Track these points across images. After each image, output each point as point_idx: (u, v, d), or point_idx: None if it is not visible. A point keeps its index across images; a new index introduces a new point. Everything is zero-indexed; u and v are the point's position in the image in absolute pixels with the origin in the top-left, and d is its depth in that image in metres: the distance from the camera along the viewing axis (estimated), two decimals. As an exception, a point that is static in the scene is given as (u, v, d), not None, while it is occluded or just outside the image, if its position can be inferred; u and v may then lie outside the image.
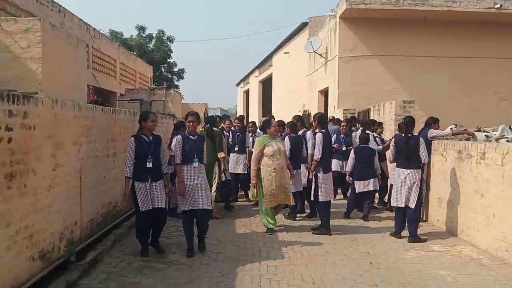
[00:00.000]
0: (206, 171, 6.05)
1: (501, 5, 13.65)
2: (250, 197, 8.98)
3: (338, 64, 14.18)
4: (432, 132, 7.49)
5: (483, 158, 5.93)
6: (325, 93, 16.53)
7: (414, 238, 6.33)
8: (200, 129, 7.62)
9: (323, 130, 6.85)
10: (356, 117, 12.78)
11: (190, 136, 5.71)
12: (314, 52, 16.26)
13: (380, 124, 9.32)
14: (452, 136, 7.47)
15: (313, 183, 6.78)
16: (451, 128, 7.91)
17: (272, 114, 15.03)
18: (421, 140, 6.48)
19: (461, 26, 14.19)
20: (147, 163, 5.37)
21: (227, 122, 9.43)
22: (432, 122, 7.72)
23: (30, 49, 4.68)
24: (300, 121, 8.24)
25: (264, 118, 9.73)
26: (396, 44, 14.07)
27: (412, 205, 6.36)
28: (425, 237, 6.46)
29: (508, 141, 6.76)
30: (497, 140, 6.97)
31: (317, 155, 6.69)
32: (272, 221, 6.87)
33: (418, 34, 14.12)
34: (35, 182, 4.26)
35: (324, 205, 6.77)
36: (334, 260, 5.44)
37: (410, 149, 6.38)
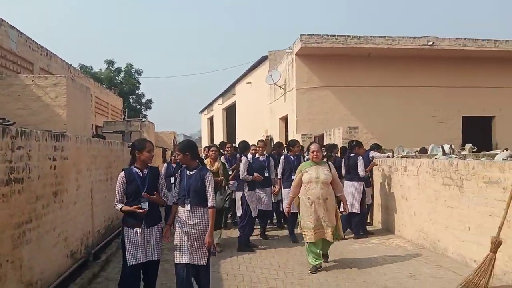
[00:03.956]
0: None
1: (433, 43, 16.04)
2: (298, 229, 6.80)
3: (296, 95, 16.03)
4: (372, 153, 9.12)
5: (405, 171, 7.72)
6: (285, 119, 18.32)
7: (358, 236, 7.98)
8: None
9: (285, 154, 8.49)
10: (313, 140, 14.51)
11: (187, 171, 4.55)
12: (274, 84, 18.11)
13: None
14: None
15: (281, 197, 8.17)
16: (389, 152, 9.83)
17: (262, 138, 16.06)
18: (359, 158, 8.16)
19: (401, 60, 16.42)
20: (142, 204, 4.31)
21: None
22: (357, 146, 8.49)
23: (58, 99, 6.13)
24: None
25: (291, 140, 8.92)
26: (345, 77, 16.10)
27: (357, 210, 8.00)
28: (366, 235, 8.12)
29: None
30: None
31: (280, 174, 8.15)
32: (316, 258, 6.08)
33: (364, 68, 16.23)
34: (68, 199, 5.64)
35: (290, 215, 7.94)
36: (295, 252, 7.03)
37: (352, 166, 8.10)
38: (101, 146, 7.51)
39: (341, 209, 6.36)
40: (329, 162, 6.44)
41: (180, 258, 4.43)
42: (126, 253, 4.30)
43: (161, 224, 4.55)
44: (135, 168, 4.47)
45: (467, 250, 5.99)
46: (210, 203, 4.44)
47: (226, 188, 7.31)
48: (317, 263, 6.05)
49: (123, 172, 4.48)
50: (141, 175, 4.44)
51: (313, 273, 5.90)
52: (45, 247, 4.85)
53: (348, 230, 8.22)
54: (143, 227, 4.32)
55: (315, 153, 6.13)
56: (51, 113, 6.03)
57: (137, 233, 4.31)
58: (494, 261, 4.93)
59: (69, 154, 5.71)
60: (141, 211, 4.27)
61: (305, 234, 6.07)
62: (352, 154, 8.28)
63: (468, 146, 14.53)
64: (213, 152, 7.45)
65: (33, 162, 4.51)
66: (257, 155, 7.84)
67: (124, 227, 4.38)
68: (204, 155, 8.72)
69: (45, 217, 4.86)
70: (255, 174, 7.53)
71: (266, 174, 7.89)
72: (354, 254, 6.88)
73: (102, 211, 7.53)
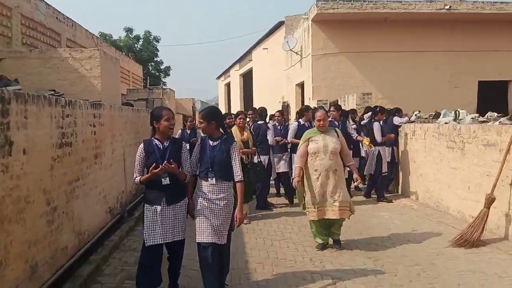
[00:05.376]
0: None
1: (450, 7, 16.01)
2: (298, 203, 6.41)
3: (312, 61, 16.32)
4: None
5: (414, 135, 8.21)
6: (301, 86, 18.67)
7: (367, 196, 8.57)
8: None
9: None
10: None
11: (209, 141, 4.09)
12: (291, 50, 18.40)
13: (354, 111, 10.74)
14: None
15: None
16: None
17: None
18: (375, 124, 8.38)
19: (417, 25, 16.43)
20: (162, 179, 3.92)
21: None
22: (380, 112, 8.76)
23: (92, 70, 6.71)
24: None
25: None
26: (361, 42, 16.24)
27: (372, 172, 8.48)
28: (379, 198, 8.62)
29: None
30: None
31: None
32: (320, 236, 5.67)
33: (380, 33, 16.31)
34: (105, 161, 6.32)
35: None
36: (308, 210, 7.67)
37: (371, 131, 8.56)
38: (130, 113, 8.15)
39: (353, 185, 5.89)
40: (336, 129, 5.84)
41: (203, 237, 3.95)
42: (144, 233, 3.93)
43: (185, 200, 4.09)
44: (155, 140, 4.07)
45: (466, 207, 6.54)
46: (238, 176, 4.01)
47: (256, 158, 7.04)
48: (323, 241, 5.64)
49: (142, 143, 4.14)
50: (161, 147, 4.02)
51: (320, 250, 5.54)
52: (90, 203, 5.57)
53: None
54: (163, 204, 3.91)
55: (321, 122, 5.45)
56: (87, 83, 6.64)
57: (157, 211, 3.90)
58: (487, 216, 5.49)
59: (105, 121, 6.35)
60: (157, 170, 3.82)
61: (308, 211, 5.57)
62: (373, 120, 8.62)
63: (493, 114, 14.66)
64: (241, 120, 6.85)
65: (78, 128, 5.16)
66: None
67: (144, 203, 4.05)
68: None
69: (89, 177, 5.55)
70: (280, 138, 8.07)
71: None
72: (363, 212, 7.50)
73: (132, 174, 8.24)
